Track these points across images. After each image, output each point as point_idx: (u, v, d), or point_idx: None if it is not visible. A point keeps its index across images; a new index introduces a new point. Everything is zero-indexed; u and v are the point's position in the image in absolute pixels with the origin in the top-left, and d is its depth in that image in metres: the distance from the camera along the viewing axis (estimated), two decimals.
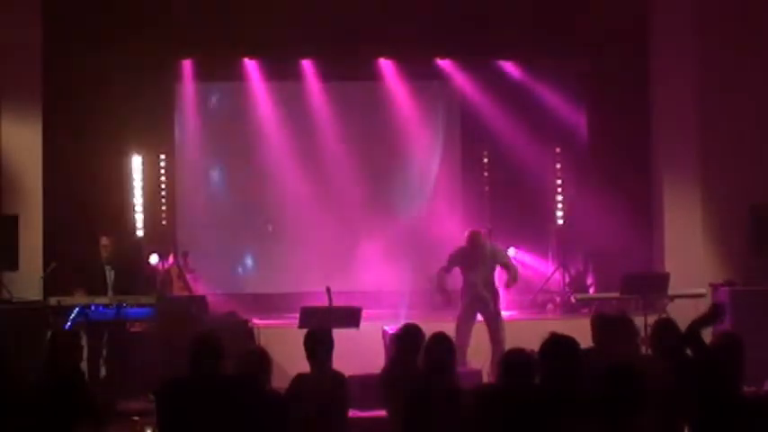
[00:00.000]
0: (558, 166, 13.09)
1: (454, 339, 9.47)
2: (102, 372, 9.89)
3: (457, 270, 10.40)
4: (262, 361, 5.70)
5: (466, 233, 10.47)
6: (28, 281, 10.64)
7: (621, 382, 4.50)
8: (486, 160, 13.49)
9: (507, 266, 10.44)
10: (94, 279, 10.13)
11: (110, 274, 10.18)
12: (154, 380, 9.32)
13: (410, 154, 13.27)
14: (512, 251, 12.31)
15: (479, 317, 10.20)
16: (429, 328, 6.37)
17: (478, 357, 9.79)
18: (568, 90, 12.55)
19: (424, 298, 12.03)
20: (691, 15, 12.06)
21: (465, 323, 10.09)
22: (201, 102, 13.16)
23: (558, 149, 13.07)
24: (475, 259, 10.24)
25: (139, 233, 12.55)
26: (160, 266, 11.98)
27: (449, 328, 9.45)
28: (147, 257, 12.01)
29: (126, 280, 10.29)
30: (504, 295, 10.53)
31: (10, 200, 11.28)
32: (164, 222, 12.90)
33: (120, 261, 10.38)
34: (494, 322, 10.15)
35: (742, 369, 5.55)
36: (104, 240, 10.31)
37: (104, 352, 9.95)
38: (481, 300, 10.16)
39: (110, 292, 10.09)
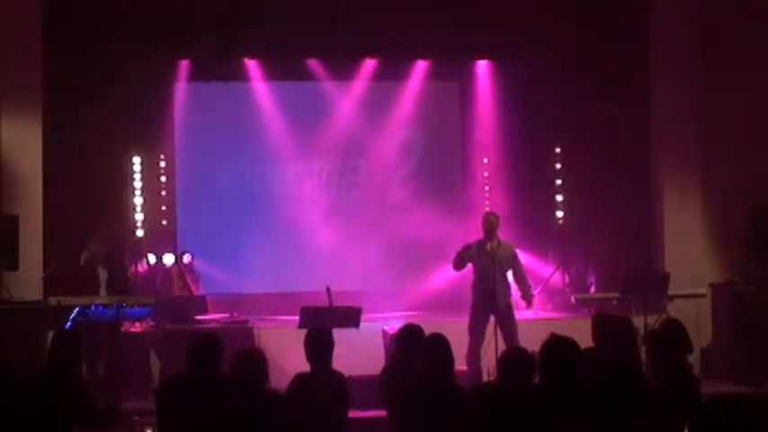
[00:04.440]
0: (559, 165, 13.11)
1: (468, 340, 9.52)
2: (102, 372, 9.88)
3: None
4: (257, 361, 5.70)
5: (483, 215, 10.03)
6: (28, 281, 10.64)
7: (622, 382, 4.51)
8: (486, 160, 13.52)
9: (516, 274, 9.89)
10: (89, 280, 10.17)
11: (103, 275, 10.24)
12: (153, 380, 9.40)
13: (410, 154, 13.27)
14: None
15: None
16: (428, 329, 6.39)
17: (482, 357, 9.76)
18: (568, 90, 12.55)
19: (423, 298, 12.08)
20: (691, 14, 12.07)
21: (477, 324, 9.71)
22: (202, 102, 13.15)
23: (558, 149, 13.09)
24: (486, 250, 9.75)
25: (139, 233, 12.58)
26: (160, 267, 12.00)
27: (448, 328, 9.48)
28: (146, 257, 12.02)
29: (118, 281, 10.35)
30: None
31: (10, 200, 11.27)
32: (164, 222, 12.93)
33: (111, 263, 10.46)
34: (510, 327, 9.65)
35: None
36: (92, 247, 10.39)
37: (104, 352, 9.94)
38: (493, 299, 9.66)
39: (103, 291, 10.13)
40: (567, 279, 12.61)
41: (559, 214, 13.15)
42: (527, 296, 9.89)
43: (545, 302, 12.49)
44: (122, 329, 10.22)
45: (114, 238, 11.19)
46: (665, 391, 5.31)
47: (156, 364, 10.19)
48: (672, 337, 5.87)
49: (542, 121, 12.86)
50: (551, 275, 12.68)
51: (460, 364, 8.28)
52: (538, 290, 12.47)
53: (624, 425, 4.44)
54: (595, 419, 4.52)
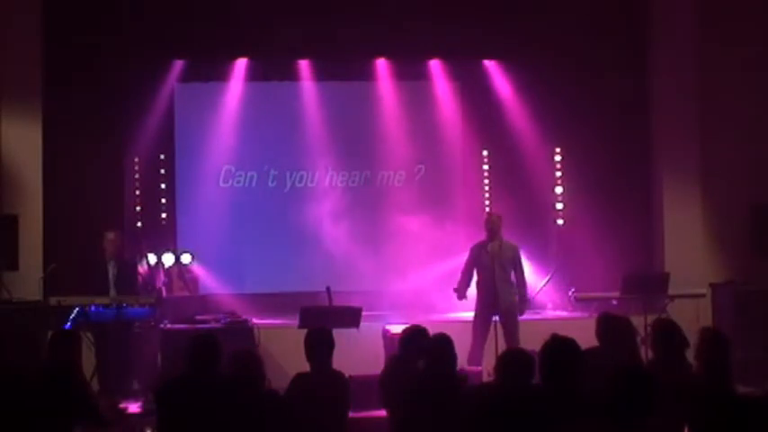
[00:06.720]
0: (559, 166, 13.11)
1: (471, 340, 9.59)
2: (102, 372, 9.87)
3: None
4: (252, 361, 5.70)
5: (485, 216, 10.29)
6: (28, 281, 10.63)
7: (633, 382, 4.50)
8: (486, 160, 13.52)
9: (516, 277, 10.07)
10: (96, 278, 10.15)
11: (113, 271, 10.20)
12: (154, 380, 9.38)
13: (409, 154, 13.26)
14: None
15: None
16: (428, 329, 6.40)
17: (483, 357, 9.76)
18: (568, 90, 12.55)
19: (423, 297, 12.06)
20: (690, 13, 12.07)
21: (481, 324, 9.89)
22: (202, 101, 13.14)
23: (558, 149, 13.09)
24: (487, 251, 9.97)
25: (139, 233, 12.57)
26: (160, 267, 11.99)
27: (449, 328, 9.48)
28: (146, 257, 12.01)
29: (128, 276, 10.34)
30: None
31: (10, 200, 11.28)
32: (163, 222, 12.92)
33: (123, 257, 10.45)
34: (511, 326, 9.83)
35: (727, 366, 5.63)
36: (110, 236, 10.35)
37: (104, 352, 9.93)
38: (495, 300, 9.83)
39: (112, 289, 10.12)
40: (567, 279, 12.60)
41: (559, 214, 13.15)
42: (522, 303, 9.98)
43: (545, 302, 12.50)
44: (122, 329, 10.18)
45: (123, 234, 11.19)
46: (672, 390, 5.31)
47: (156, 365, 10.18)
48: (669, 333, 5.91)
49: (543, 122, 12.84)
50: (551, 276, 12.68)
51: (462, 364, 8.30)
52: (537, 292, 12.51)
53: (628, 425, 4.43)
54: (598, 420, 4.51)
